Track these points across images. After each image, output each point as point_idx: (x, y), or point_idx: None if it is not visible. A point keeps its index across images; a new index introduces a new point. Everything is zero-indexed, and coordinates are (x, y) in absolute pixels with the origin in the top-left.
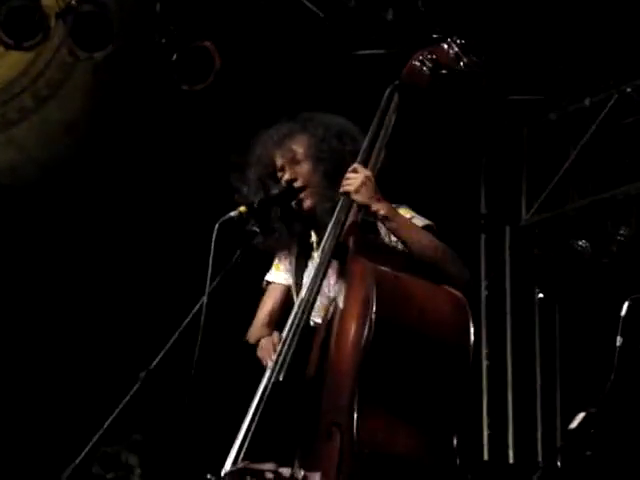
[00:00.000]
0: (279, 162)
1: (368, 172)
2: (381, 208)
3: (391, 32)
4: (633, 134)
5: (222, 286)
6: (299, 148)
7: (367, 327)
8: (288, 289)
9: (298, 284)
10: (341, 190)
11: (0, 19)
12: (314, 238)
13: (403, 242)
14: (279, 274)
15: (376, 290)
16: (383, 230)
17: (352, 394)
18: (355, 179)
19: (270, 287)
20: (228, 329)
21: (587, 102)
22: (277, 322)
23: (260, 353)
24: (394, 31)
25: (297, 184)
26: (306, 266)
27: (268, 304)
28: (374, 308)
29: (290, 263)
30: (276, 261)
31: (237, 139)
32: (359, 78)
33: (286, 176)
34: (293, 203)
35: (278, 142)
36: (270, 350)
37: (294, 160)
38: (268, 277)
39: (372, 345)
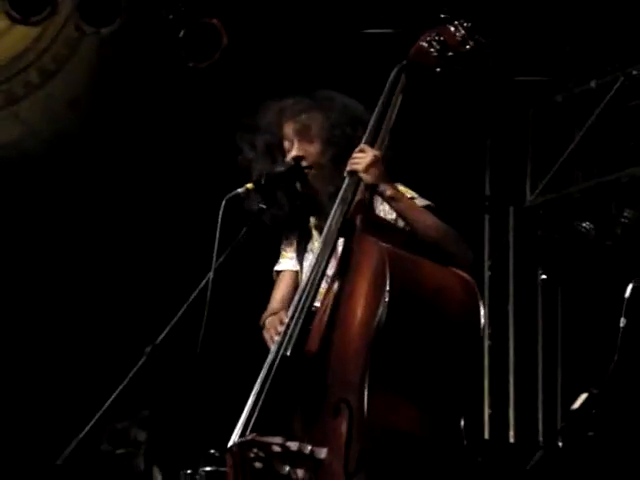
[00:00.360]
0: (289, 134)
1: (377, 152)
2: (388, 189)
3: (399, 11)
4: (639, 117)
5: (229, 262)
6: (312, 125)
7: (380, 307)
8: (296, 274)
9: (301, 270)
10: (348, 169)
11: None
12: (313, 222)
13: (408, 223)
14: (287, 262)
15: (390, 268)
16: (379, 208)
17: (363, 372)
18: (363, 158)
19: (280, 275)
20: (234, 305)
21: (593, 84)
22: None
23: (265, 334)
24: (402, 10)
25: (304, 163)
26: (305, 251)
27: (280, 291)
28: (387, 287)
29: (293, 250)
30: (282, 251)
31: (242, 117)
32: (366, 57)
33: (294, 152)
34: (297, 183)
35: (292, 114)
36: (275, 325)
37: (305, 136)
38: (277, 267)
39: (385, 324)
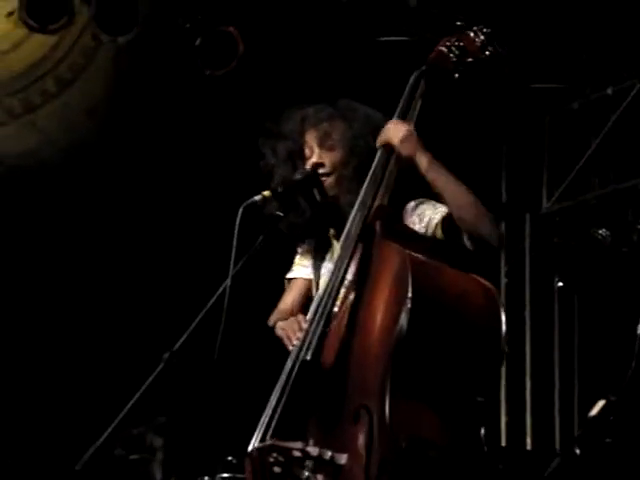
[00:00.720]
0: (310, 142)
1: (409, 125)
2: (425, 158)
3: (414, 19)
4: None
5: (245, 270)
6: (334, 134)
7: (402, 312)
8: (309, 283)
9: (316, 275)
10: (380, 142)
11: (25, 1)
12: (332, 233)
13: (443, 194)
14: (300, 269)
15: (411, 275)
16: (408, 220)
17: (383, 378)
18: (399, 130)
19: (292, 282)
20: (251, 312)
21: (610, 91)
22: (299, 312)
23: (280, 332)
24: (417, 18)
25: (323, 170)
26: (324, 260)
27: (291, 296)
28: (410, 293)
29: (309, 259)
30: (296, 259)
31: (265, 122)
32: (382, 65)
33: (314, 158)
34: (315, 191)
35: (314, 122)
36: (294, 329)
37: (326, 144)
38: (289, 275)
39: (407, 330)
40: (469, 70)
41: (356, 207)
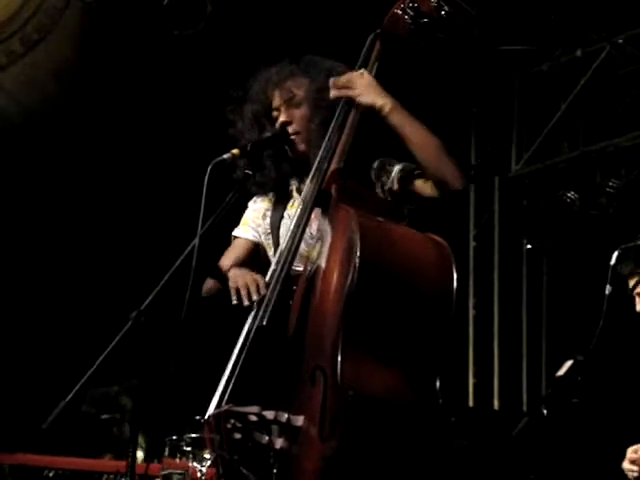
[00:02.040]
0: (276, 101)
1: (369, 74)
2: (387, 103)
3: None
4: (625, 86)
5: (214, 229)
6: (299, 91)
7: (351, 272)
8: (254, 245)
9: (274, 233)
10: (336, 94)
11: None
12: (295, 186)
13: (406, 137)
14: (247, 229)
15: (360, 236)
16: (373, 177)
17: (336, 338)
18: (355, 80)
19: (235, 242)
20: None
21: (579, 53)
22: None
23: (234, 283)
24: None
25: (291, 128)
26: (282, 216)
27: (234, 253)
28: (357, 253)
29: (264, 217)
30: (245, 215)
31: (230, 89)
32: (348, 22)
33: (281, 117)
34: (286, 147)
35: (278, 81)
36: (251, 284)
37: (292, 102)
38: (235, 232)
39: (356, 290)
40: (427, 31)
41: (313, 170)
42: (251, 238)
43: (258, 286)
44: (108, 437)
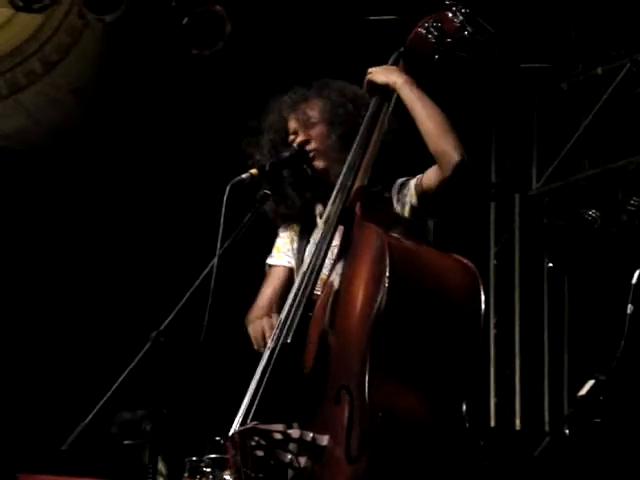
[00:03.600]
0: (292, 125)
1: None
2: (400, 78)
3: None
4: None
5: (233, 249)
6: (313, 112)
7: (380, 293)
8: (290, 271)
9: (299, 259)
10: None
11: None
12: (319, 210)
13: (413, 109)
14: (281, 256)
15: (389, 255)
16: (395, 198)
17: (363, 359)
18: (376, 69)
19: (272, 270)
20: (238, 292)
21: (599, 71)
22: (278, 306)
23: (251, 330)
24: None
25: (309, 147)
26: (308, 242)
27: (270, 287)
28: (387, 273)
29: (292, 242)
30: (277, 243)
31: (245, 105)
32: (370, 43)
33: (299, 139)
34: (305, 166)
35: (292, 107)
36: (265, 328)
37: (308, 124)
38: (269, 260)
39: (385, 311)
40: (450, 51)
41: (336, 188)
42: (286, 264)
43: (271, 324)
44: (129, 462)
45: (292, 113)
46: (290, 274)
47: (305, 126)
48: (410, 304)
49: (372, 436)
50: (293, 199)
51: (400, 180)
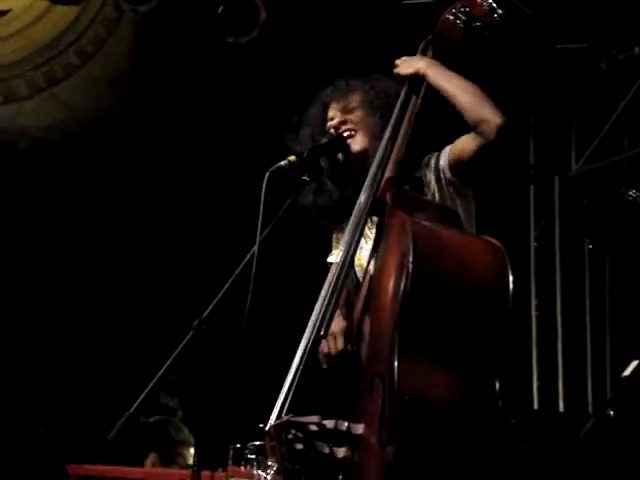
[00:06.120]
0: (331, 113)
1: None
2: (423, 63)
3: None
4: None
5: (272, 236)
6: (353, 100)
7: (404, 278)
8: None
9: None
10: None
11: None
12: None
13: (445, 88)
14: (334, 253)
15: (412, 242)
16: (424, 174)
17: (392, 344)
18: (404, 59)
19: (332, 268)
20: (278, 279)
21: (637, 50)
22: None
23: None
24: None
25: (346, 126)
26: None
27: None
28: (410, 259)
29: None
30: (334, 241)
31: (282, 92)
32: (407, 28)
33: (336, 120)
34: (340, 155)
35: (332, 96)
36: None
37: (347, 108)
38: (329, 259)
39: (409, 296)
40: (481, 34)
41: (368, 179)
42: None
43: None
44: (151, 438)
45: (332, 102)
46: None
47: (344, 111)
48: (434, 287)
49: (400, 419)
50: (331, 191)
51: (426, 157)
